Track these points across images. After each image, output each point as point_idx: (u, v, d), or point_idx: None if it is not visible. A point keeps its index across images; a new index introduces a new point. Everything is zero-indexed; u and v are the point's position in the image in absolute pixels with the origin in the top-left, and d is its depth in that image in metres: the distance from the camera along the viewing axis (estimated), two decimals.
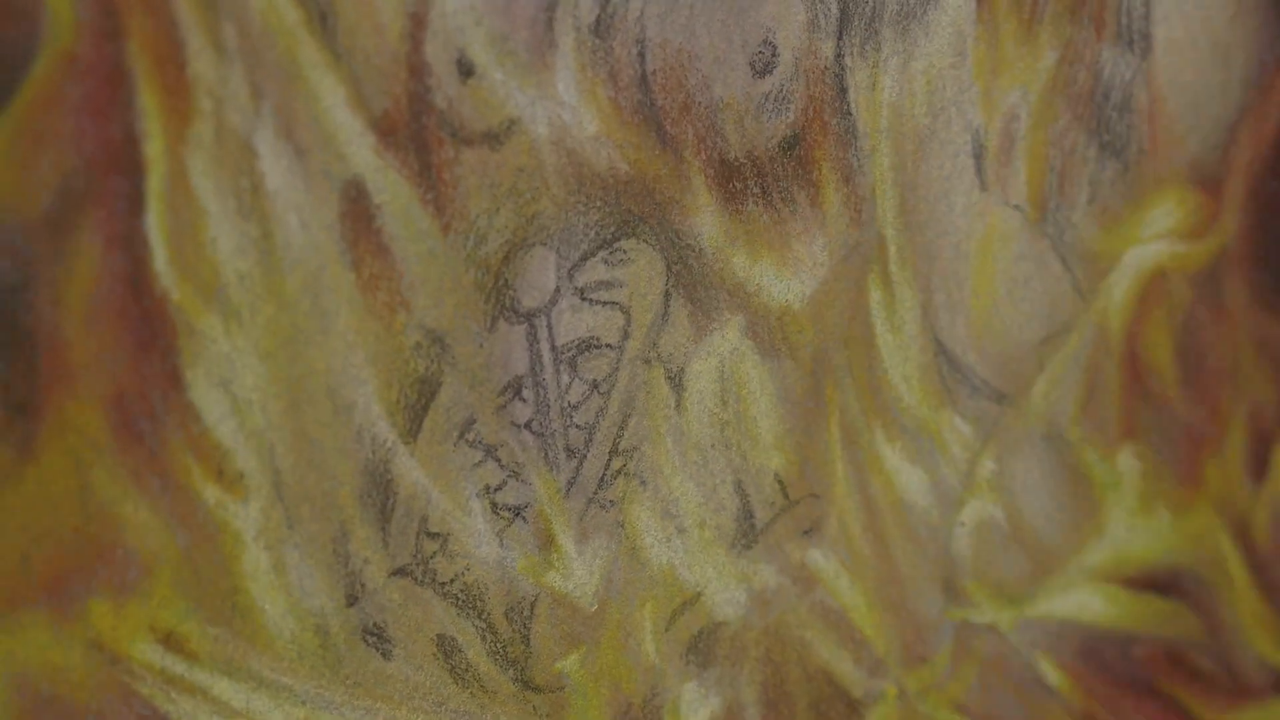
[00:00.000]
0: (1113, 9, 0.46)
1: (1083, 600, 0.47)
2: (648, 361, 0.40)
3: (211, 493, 0.33)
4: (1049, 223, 0.46)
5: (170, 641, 0.33)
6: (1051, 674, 0.47)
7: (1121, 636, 0.48)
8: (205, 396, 0.33)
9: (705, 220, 0.40)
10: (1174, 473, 0.49)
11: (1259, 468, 0.49)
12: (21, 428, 0.31)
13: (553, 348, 0.38)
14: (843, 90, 0.42)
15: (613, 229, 0.39)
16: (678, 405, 0.40)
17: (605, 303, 0.39)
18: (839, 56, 0.42)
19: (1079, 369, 0.47)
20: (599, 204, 0.39)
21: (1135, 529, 0.49)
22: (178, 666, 0.33)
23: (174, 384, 0.33)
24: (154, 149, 0.32)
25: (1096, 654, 0.48)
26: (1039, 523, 0.48)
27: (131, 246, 0.32)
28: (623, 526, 0.39)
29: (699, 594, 0.41)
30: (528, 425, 0.38)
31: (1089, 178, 0.47)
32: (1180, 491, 0.49)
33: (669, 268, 0.40)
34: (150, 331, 0.33)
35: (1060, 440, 0.47)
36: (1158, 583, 0.49)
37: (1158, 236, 0.48)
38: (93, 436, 0.32)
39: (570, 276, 0.38)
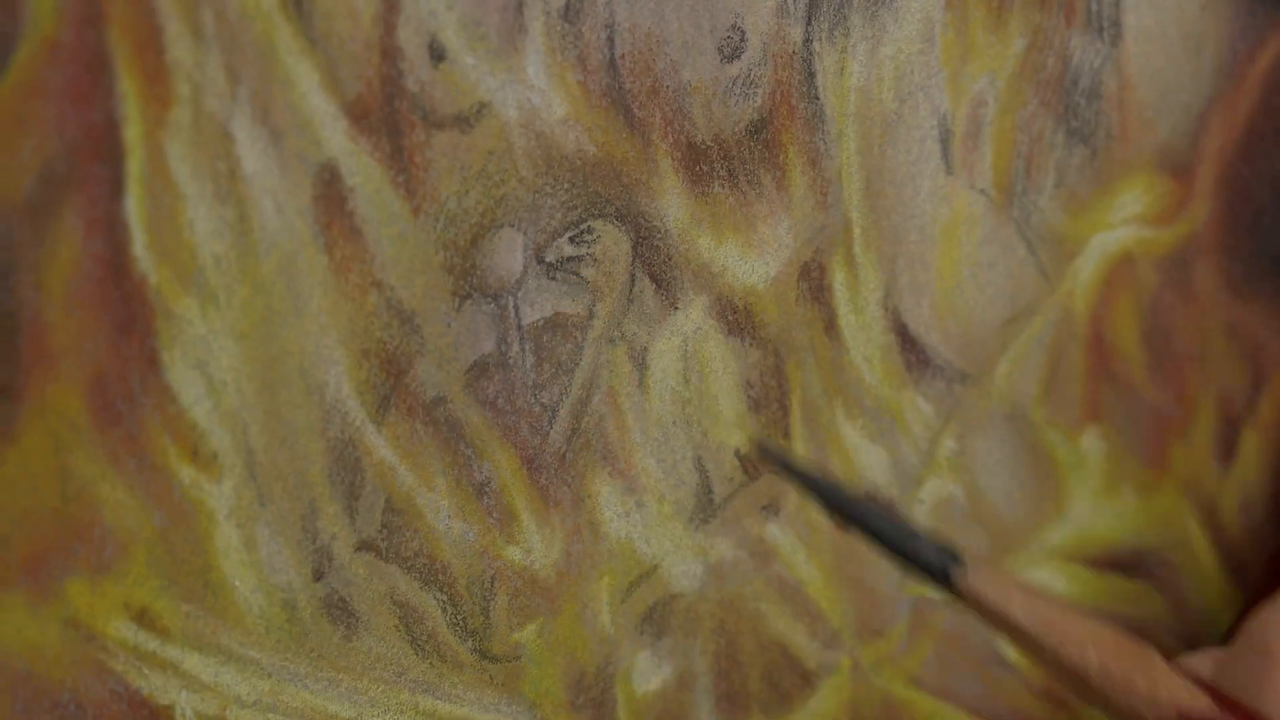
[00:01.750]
0: None
1: (1045, 579, 0.48)
2: (612, 340, 0.41)
3: (187, 472, 0.35)
4: (1015, 207, 0.46)
5: (144, 618, 0.34)
6: (1011, 651, 0.48)
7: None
8: (182, 378, 0.34)
9: (671, 202, 0.41)
10: (1139, 455, 0.49)
11: (1227, 451, 0.49)
12: (2, 410, 0.32)
13: (519, 327, 0.39)
14: (810, 75, 0.42)
15: (580, 210, 0.40)
16: (640, 383, 0.41)
17: (572, 282, 0.40)
18: (807, 41, 0.42)
19: (1043, 350, 0.47)
20: (567, 186, 0.39)
21: (1099, 510, 0.49)
22: (150, 643, 0.35)
23: (152, 366, 0.34)
24: (133, 134, 0.33)
25: None
26: (999, 501, 0.48)
27: (111, 231, 0.33)
28: (583, 501, 0.40)
29: (656, 566, 0.42)
30: (493, 403, 0.39)
31: (1056, 163, 0.46)
32: (1146, 473, 0.49)
33: (635, 248, 0.41)
34: (129, 314, 0.33)
35: (1023, 420, 0.47)
36: (1122, 563, 0.49)
37: (1125, 222, 0.48)
38: (72, 418, 0.33)
39: (538, 257, 0.39)
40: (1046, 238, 0.47)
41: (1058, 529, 0.49)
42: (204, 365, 0.35)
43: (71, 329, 0.33)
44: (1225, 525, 0.51)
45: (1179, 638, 0.49)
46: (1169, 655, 0.48)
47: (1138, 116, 0.47)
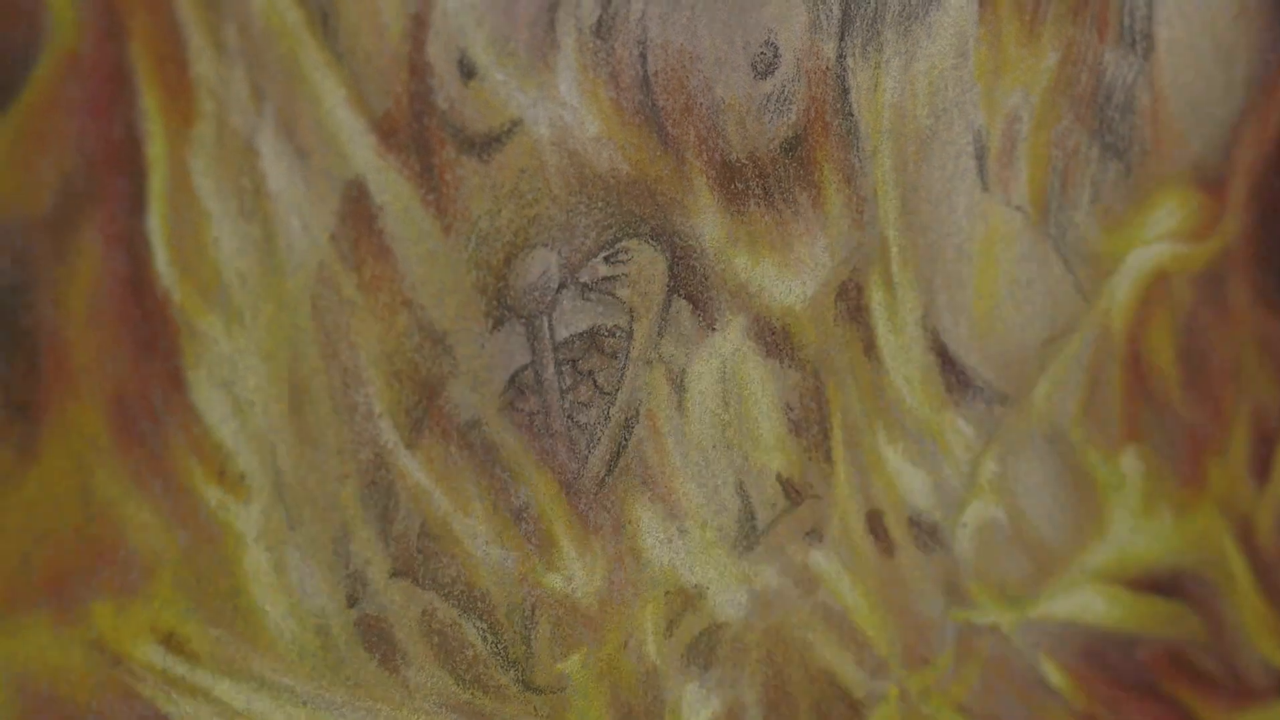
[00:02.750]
0: (1115, 10, 0.46)
1: (1085, 601, 0.47)
2: (649, 362, 0.40)
3: (213, 494, 0.33)
4: (1051, 224, 0.46)
5: (171, 642, 0.33)
6: (1054, 675, 0.47)
7: (1124, 638, 0.48)
8: (207, 397, 0.33)
9: (707, 221, 0.40)
10: (1177, 474, 0.49)
11: (1262, 469, 0.49)
12: (23, 428, 0.31)
13: (554, 348, 0.38)
14: (844, 91, 0.42)
15: (614, 230, 0.39)
16: (679, 406, 0.40)
17: (607, 303, 0.39)
18: (841, 57, 0.42)
19: (1081, 370, 0.47)
20: (600, 205, 0.39)
21: (1138, 530, 0.49)
22: (179, 667, 0.33)
23: (175, 385, 0.33)
24: (156, 150, 0.32)
25: (1099, 655, 0.48)
26: (1041, 524, 0.48)
27: (133, 247, 0.32)
28: (624, 527, 0.39)
29: (701, 595, 0.41)
30: (529, 426, 0.38)
31: (1091, 178, 0.46)
32: (1183, 492, 0.49)
33: (671, 268, 0.40)
34: (152, 332, 0.32)
35: (1063, 441, 0.47)
36: (1160, 584, 0.49)
37: (1160, 237, 0.48)
38: (94, 437, 0.32)
39: (572, 277, 0.38)
40: (1083, 254, 0.47)
41: (1098, 550, 0.49)
42: (230, 384, 0.33)
43: (92, 346, 0.32)
44: (1261, 543, 0.51)
45: (1217, 659, 0.48)
46: (1209, 680, 0.47)
47: (1170, 130, 0.48)
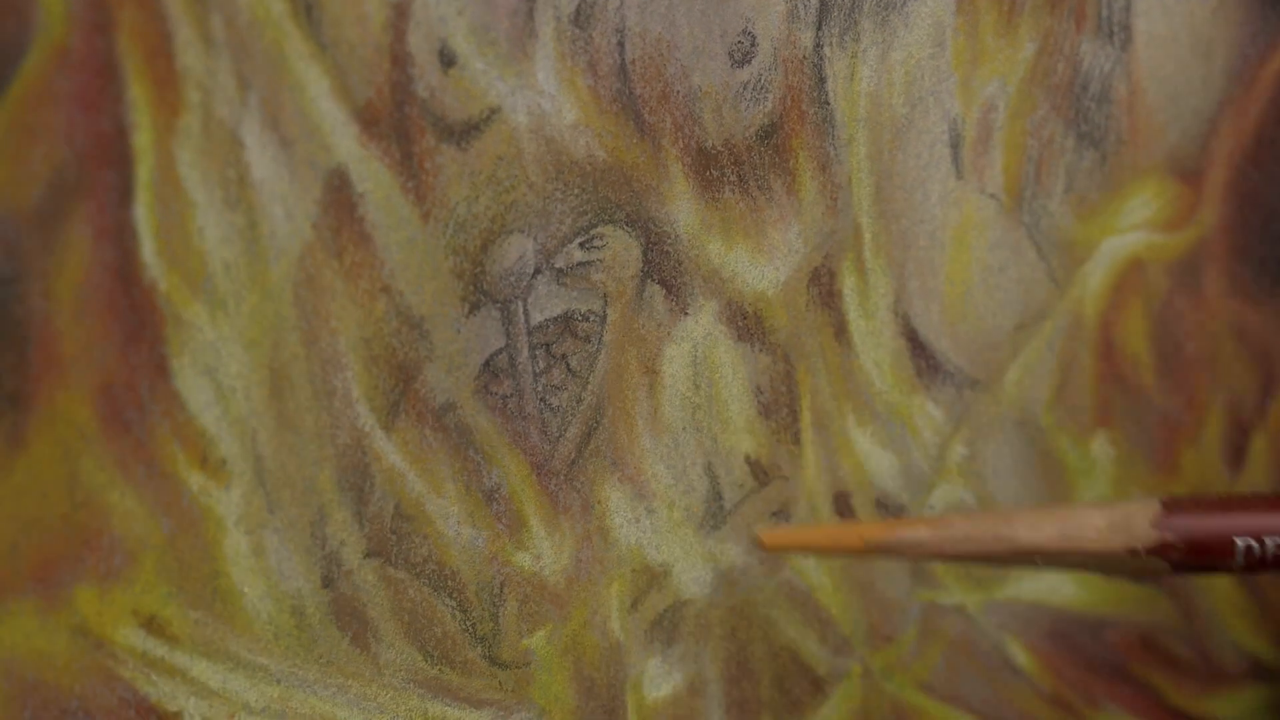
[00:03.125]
0: (1093, 1, 0.46)
1: (1053, 584, 0.47)
2: (622, 346, 0.41)
3: (195, 479, 0.35)
4: (1025, 211, 0.46)
5: (152, 625, 0.34)
6: (1020, 656, 0.47)
7: (1094, 620, 0.48)
8: (191, 384, 0.34)
9: (682, 207, 0.41)
10: (1149, 460, 0.49)
11: (1236, 457, 0.49)
12: (12, 418, 0.32)
13: (529, 332, 0.39)
14: (821, 80, 0.42)
15: (590, 216, 0.40)
16: (650, 389, 0.41)
17: (582, 289, 0.40)
18: (818, 46, 0.42)
19: (1053, 356, 0.47)
20: (577, 191, 0.39)
21: None
22: (159, 649, 0.35)
23: (161, 372, 0.34)
24: (143, 141, 0.33)
25: (1067, 637, 0.48)
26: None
27: (121, 237, 0.33)
28: (593, 507, 0.40)
29: (666, 573, 0.42)
30: (503, 409, 0.39)
31: (1066, 167, 0.46)
32: (1155, 478, 0.49)
33: (645, 254, 0.40)
34: (138, 321, 0.34)
35: (1033, 426, 0.47)
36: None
37: (1135, 226, 0.47)
38: (81, 426, 0.33)
39: (547, 263, 0.39)
40: (1056, 242, 0.47)
41: None
42: (213, 371, 0.35)
43: (81, 336, 0.33)
44: None
45: (1188, 642, 0.49)
46: (1180, 663, 0.48)
47: (1148, 121, 0.47)
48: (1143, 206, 0.48)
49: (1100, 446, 0.49)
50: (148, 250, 0.33)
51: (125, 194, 0.33)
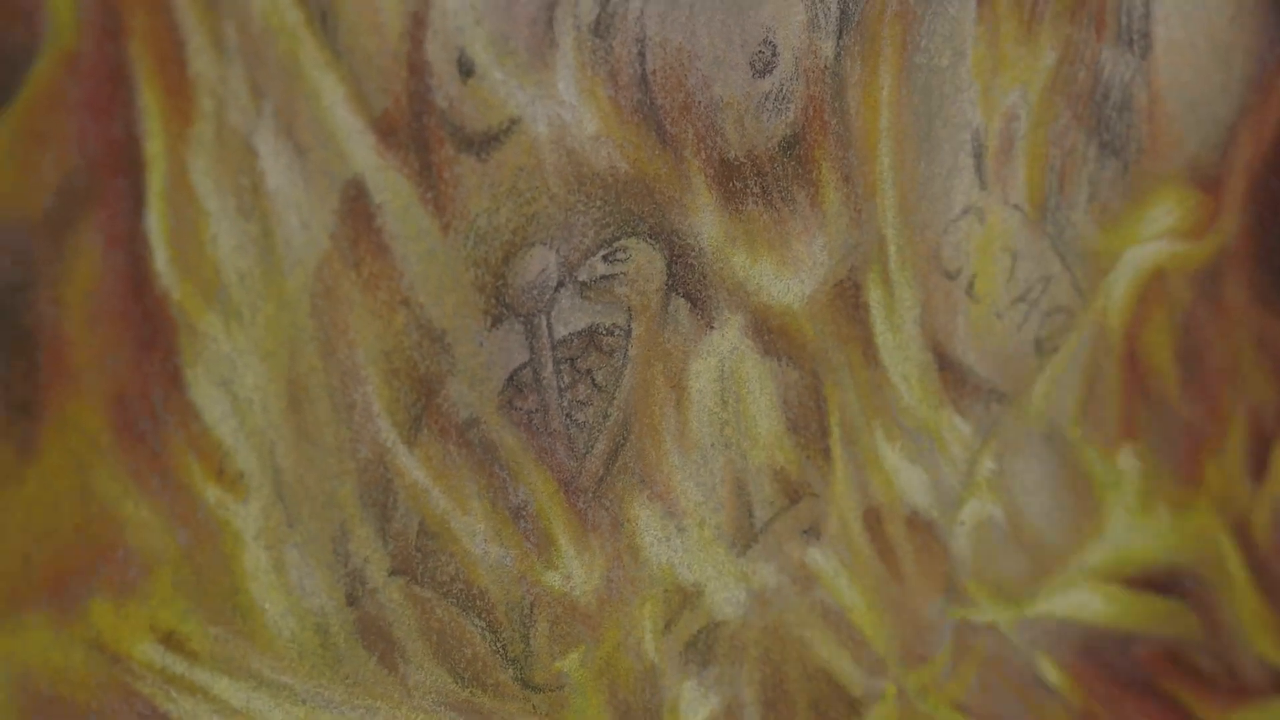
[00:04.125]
0: (1113, 9, 0.46)
1: (1083, 600, 0.47)
2: (648, 360, 0.40)
3: (212, 492, 0.33)
4: (1048, 222, 0.46)
5: (171, 641, 0.33)
6: (1051, 673, 0.47)
7: (1121, 636, 0.48)
8: (206, 396, 0.33)
9: (705, 219, 0.40)
10: (1174, 472, 0.49)
11: (1259, 467, 0.49)
12: (23, 427, 0.31)
13: (553, 347, 0.38)
14: (842, 90, 0.42)
15: (613, 228, 0.39)
16: (677, 404, 0.40)
17: (606, 302, 0.39)
18: (839, 56, 0.42)
19: (1079, 368, 0.47)
20: (599, 203, 0.39)
21: (1135, 528, 0.49)
22: (178, 666, 0.33)
23: (175, 383, 0.33)
24: (155, 148, 0.32)
25: (1096, 653, 0.48)
26: (1039, 522, 0.48)
27: (132, 246, 0.32)
28: (622, 525, 0.39)
29: (699, 593, 0.41)
30: (528, 424, 0.38)
31: (1088, 177, 0.47)
32: (1180, 491, 0.49)
33: (669, 267, 0.40)
34: (151, 331, 0.33)
35: (1060, 440, 0.47)
36: (1157, 582, 0.49)
37: (1157, 236, 0.48)
38: (94, 436, 0.32)
39: (570, 275, 0.38)
40: (1080, 253, 0.47)
41: (1096, 549, 0.49)
42: (228, 383, 0.34)
43: (92, 345, 0.32)
44: (1258, 541, 0.51)
45: (1214, 656, 0.48)
46: (1206, 677, 0.47)
47: (1167, 130, 0.48)
48: (1164, 215, 0.48)
49: (1126, 459, 0.48)
50: (160, 259, 0.32)
51: (137, 202, 0.32)
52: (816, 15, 0.41)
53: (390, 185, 0.35)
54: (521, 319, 0.38)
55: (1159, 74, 0.47)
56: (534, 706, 0.38)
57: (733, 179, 0.40)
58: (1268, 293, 0.49)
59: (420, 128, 0.36)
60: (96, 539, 0.32)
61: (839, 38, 0.42)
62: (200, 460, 0.33)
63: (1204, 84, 0.48)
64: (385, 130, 0.35)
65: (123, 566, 0.32)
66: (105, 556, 0.32)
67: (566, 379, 0.38)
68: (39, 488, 0.31)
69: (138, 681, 0.33)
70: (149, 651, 0.33)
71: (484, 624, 0.37)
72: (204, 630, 0.33)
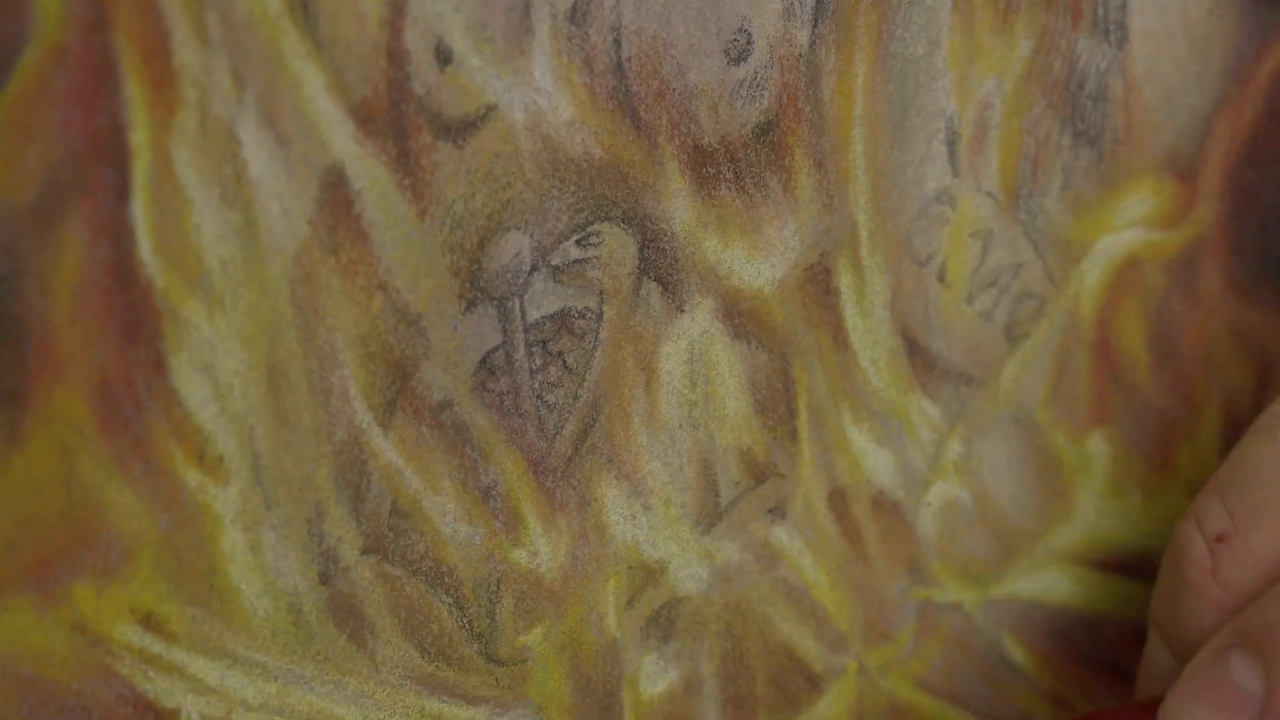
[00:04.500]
0: None
1: (1050, 582, 0.48)
2: (619, 343, 0.41)
3: (193, 476, 0.35)
4: (1021, 209, 0.46)
5: (150, 622, 0.34)
6: (1017, 654, 0.48)
7: (1091, 618, 0.49)
8: (188, 381, 0.34)
9: (678, 204, 0.41)
10: (1145, 457, 0.49)
11: None
12: (9, 416, 0.32)
13: (525, 330, 0.39)
14: (816, 78, 0.42)
15: (586, 213, 0.40)
16: (647, 386, 0.41)
17: (578, 285, 0.40)
18: (814, 44, 0.42)
19: (1050, 354, 0.47)
20: (573, 188, 0.39)
21: (1105, 512, 0.49)
22: (156, 646, 0.35)
23: (158, 370, 0.34)
24: (140, 139, 0.33)
25: (1065, 635, 0.48)
26: (1006, 505, 0.48)
27: (117, 235, 0.33)
28: (589, 504, 0.40)
29: (662, 570, 0.42)
30: (500, 406, 0.39)
31: (1062, 165, 0.46)
32: (1152, 475, 0.49)
33: (641, 251, 0.41)
34: (135, 319, 0.33)
35: (1029, 424, 0.47)
36: (1127, 566, 0.49)
37: (1131, 224, 0.48)
38: (79, 423, 0.33)
39: (544, 260, 0.39)
40: (1053, 240, 0.47)
41: (1064, 532, 0.49)
42: (210, 369, 0.35)
43: (78, 334, 0.33)
44: None
45: None
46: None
47: (1144, 119, 0.47)
48: (1139, 204, 0.48)
49: (1096, 444, 0.49)
50: (145, 248, 0.33)
51: (122, 192, 0.33)
52: (792, 4, 0.41)
53: (369, 172, 0.36)
54: (495, 302, 0.38)
55: (1135, 64, 0.47)
56: (497, 679, 0.40)
57: (706, 165, 0.41)
58: (1242, 281, 0.48)
59: (398, 115, 0.36)
60: (80, 524, 0.33)
61: (814, 26, 0.42)
62: (182, 445, 0.34)
63: (1181, 74, 0.48)
64: (364, 118, 0.36)
65: (105, 551, 0.34)
66: (88, 541, 0.33)
67: (538, 361, 0.39)
68: (24, 474, 0.32)
69: (117, 662, 0.35)
70: (128, 633, 0.34)
71: (451, 600, 0.39)
72: (182, 611, 0.35)
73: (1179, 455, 0.50)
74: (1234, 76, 0.48)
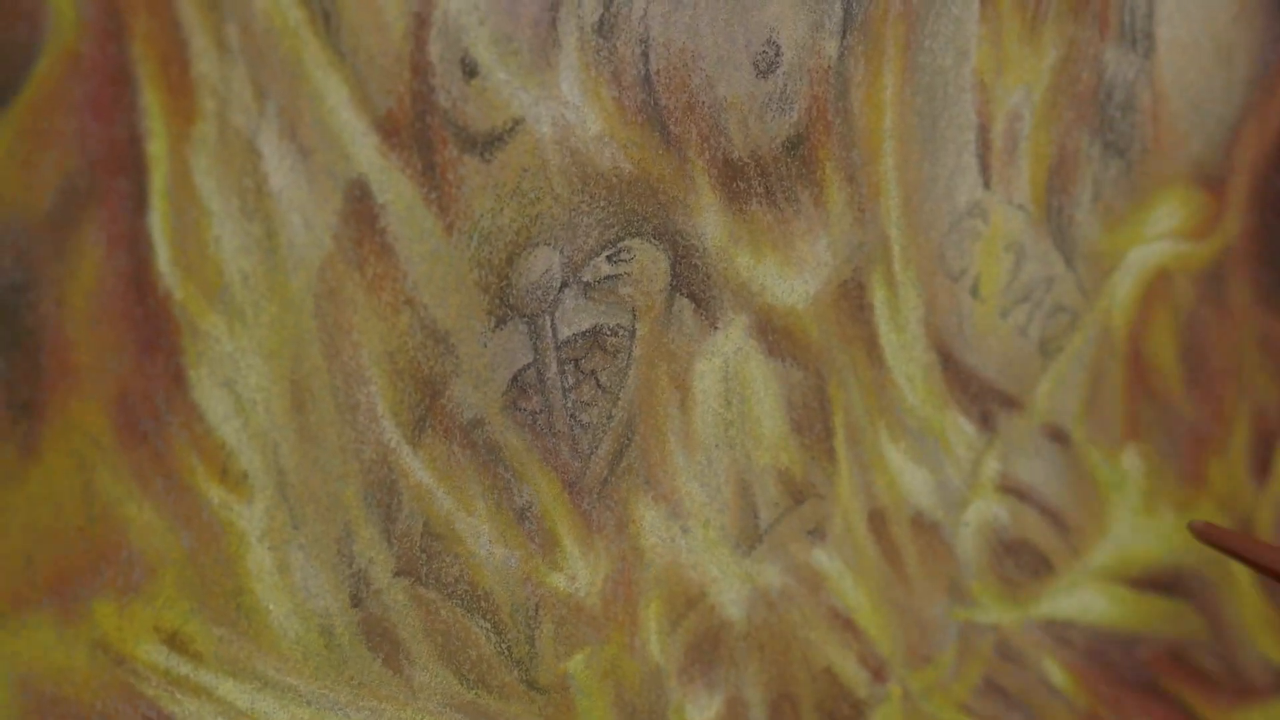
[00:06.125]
0: (1116, 9, 0.46)
1: (1087, 601, 0.47)
2: (652, 361, 0.40)
3: (216, 493, 0.33)
4: (1052, 222, 0.46)
5: (175, 642, 0.33)
6: (1056, 674, 0.47)
7: (1126, 637, 0.48)
8: (209, 396, 0.33)
9: (709, 220, 0.40)
10: (1177, 472, 0.49)
11: (1262, 468, 0.49)
12: (25, 427, 0.31)
13: (557, 347, 0.38)
14: (846, 90, 0.42)
15: (616, 229, 0.39)
16: (682, 405, 0.40)
17: (610, 302, 0.39)
18: (842, 56, 0.42)
19: (1083, 368, 0.47)
20: (603, 204, 0.38)
21: (1139, 529, 0.49)
22: (182, 667, 0.33)
23: (178, 384, 0.33)
24: (157, 148, 0.32)
25: (1101, 654, 0.48)
26: (1043, 523, 0.48)
27: (135, 246, 0.32)
28: (627, 527, 0.39)
29: (703, 594, 0.41)
30: (532, 425, 0.38)
31: (1092, 177, 0.47)
32: (1184, 491, 0.49)
33: (673, 267, 0.40)
34: (154, 331, 0.32)
35: (1064, 440, 0.47)
36: (1161, 583, 0.49)
37: (1161, 236, 0.48)
38: (96, 436, 0.32)
39: (575, 276, 0.38)
40: (1084, 253, 0.47)
41: (1100, 550, 0.49)
42: (232, 383, 0.33)
43: (95, 345, 0.32)
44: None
45: (1217, 656, 0.48)
46: (1210, 677, 0.47)
47: (1171, 129, 0.48)
48: (1168, 216, 0.48)
49: (1130, 460, 0.48)
50: (163, 259, 0.32)
51: (139, 202, 0.32)
52: (820, 15, 0.41)
53: (394, 186, 0.35)
54: (525, 319, 0.38)
55: (1162, 74, 0.47)
56: (539, 708, 0.38)
57: (736, 179, 0.40)
58: (1271, 293, 0.49)
59: (424, 128, 0.35)
60: (99, 540, 0.32)
61: (842, 38, 0.42)
62: (204, 461, 0.33)
63: (1207, 83, 0.48)
64: (388, 131, 0.35)
65: (126, 567, 0.32)
66: (108, 557, 0.32)
67: (571, 380, 0.38)
68: (41, 488, 0.31)
69: (142, 683, 0.33)
70: (153, 652, 0.33)
71: (489, 625, 0.37)
72: (208, 631, 0.33)
73: (1210, 469, 0.50)
74: (1260, 84, 0.49)
